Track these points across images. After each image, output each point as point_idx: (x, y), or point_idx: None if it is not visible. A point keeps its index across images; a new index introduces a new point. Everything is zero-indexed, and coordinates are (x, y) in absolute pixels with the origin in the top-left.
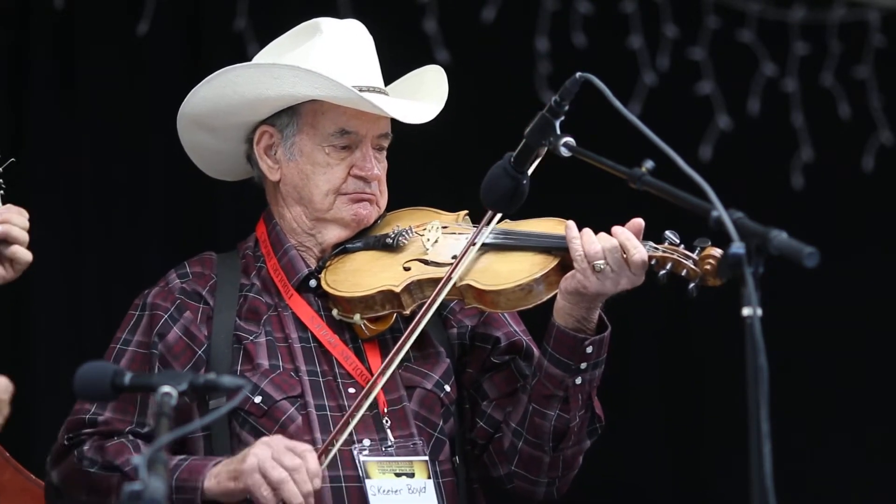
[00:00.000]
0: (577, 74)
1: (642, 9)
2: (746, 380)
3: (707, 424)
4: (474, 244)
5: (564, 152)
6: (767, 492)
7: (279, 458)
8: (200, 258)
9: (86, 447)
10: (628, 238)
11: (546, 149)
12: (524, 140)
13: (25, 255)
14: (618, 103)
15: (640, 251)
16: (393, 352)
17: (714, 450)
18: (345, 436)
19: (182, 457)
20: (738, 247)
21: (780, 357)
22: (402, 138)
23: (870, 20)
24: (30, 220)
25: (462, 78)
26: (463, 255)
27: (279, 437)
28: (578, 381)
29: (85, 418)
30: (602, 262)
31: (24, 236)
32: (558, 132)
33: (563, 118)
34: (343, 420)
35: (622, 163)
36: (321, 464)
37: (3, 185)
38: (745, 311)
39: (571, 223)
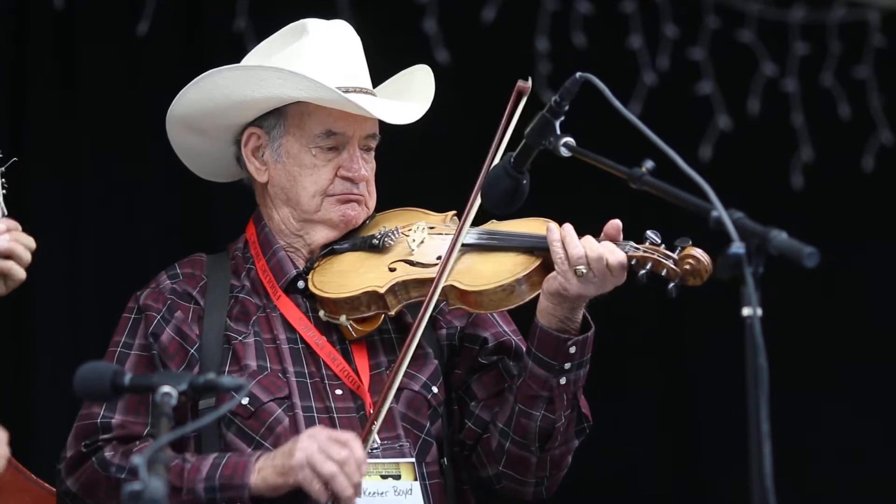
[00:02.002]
0: (577, 74)
1: (642, 9)
2: (746, 379)
3: (705, 423)
4: (457, 244)
5: (564, 152)
6: (767, 492)
7: (327, 450)
8: (191, 259)
9: (107, 453)
10: (604, 244)
11: (543, 147)
12: (524, 140)
13: (20, 273)
14: (618, 103)
15: (617, 256)
16: (395, 366)
17: (713, 449)
18: (379, 423)
19: (216, 454)
20: (738, 247)
21: (779, 357)
22: (401, 138)
23: (870, 20)
24: (29, 220)
25: (462, 78)
26: (448, 255)
27: (321, 428)
28: (563, 381)
29: (97, 423)
30: (584, 267)
31: (27, 256)
32: (558, 132)
33: (563, 118)
34: (373, 415)
35: (622, 163)
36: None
37: (6, 186)
38: (745, 311)
39: (553, 225)
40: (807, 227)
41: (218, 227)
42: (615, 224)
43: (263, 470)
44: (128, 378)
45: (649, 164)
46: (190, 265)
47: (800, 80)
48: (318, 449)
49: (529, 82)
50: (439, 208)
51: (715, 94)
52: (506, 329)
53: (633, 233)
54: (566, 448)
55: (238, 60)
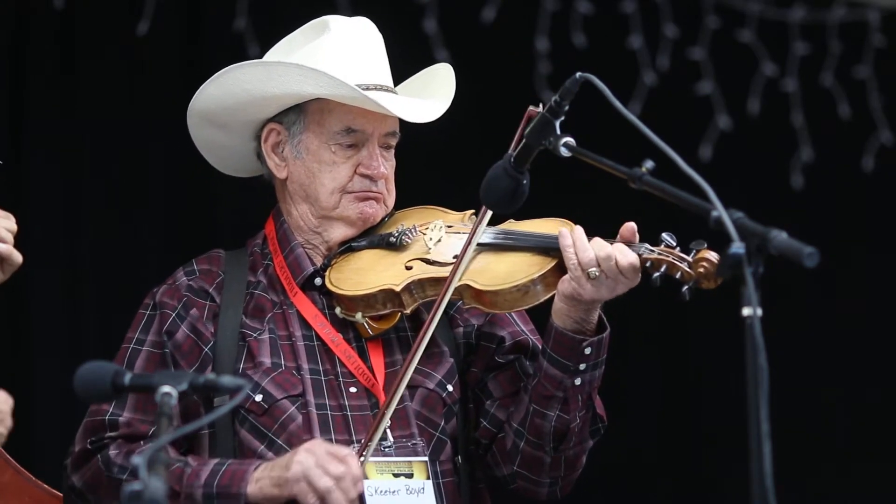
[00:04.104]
0: (577, 74)
1: (642, 9)
2: (746, 380)
3: (706, 423)
4: (471, 244)
5: (564, 152)
6: (767, 492)
7: (324, 465)
8: (208, 256)
9: (112, 452)
10: (615, 245)
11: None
12: (524, 140)
13: (17, 257)
14: (618, 103)
15: (627, 256)
16: (405, 364)
17: (714, 449)
18: (378, 436)
19: (217, 461)
20: (738, 247)
21: (779, 358)
22: (403, 137)
23: (870, 20)
24: (30, 220)
25: (462, 78)
26: (462, 255)
27: (320, 442)
28: (577, 381)
29: (105, 420)
30: (596, 269)
31: (10, 238)
32: (558, 132)
33: (563, 118)
34: (374, 425)
35: (622, 163)
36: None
37: None
38: (745, 311)
39: (565, 231)
40: (807, 227)
41: (218, 227)
42: (630, 227)
43: (261, 480)
44: (128, 378)
45: (649, 164)
46: (207, 261)
47: (800, 80)
48: (316, 463)
49: (540, 108)
50: (439, 207)
51: (715, 94)
52: (523, 328)
53: (644, 236)
54: (580, 448)
55: (238, 60)
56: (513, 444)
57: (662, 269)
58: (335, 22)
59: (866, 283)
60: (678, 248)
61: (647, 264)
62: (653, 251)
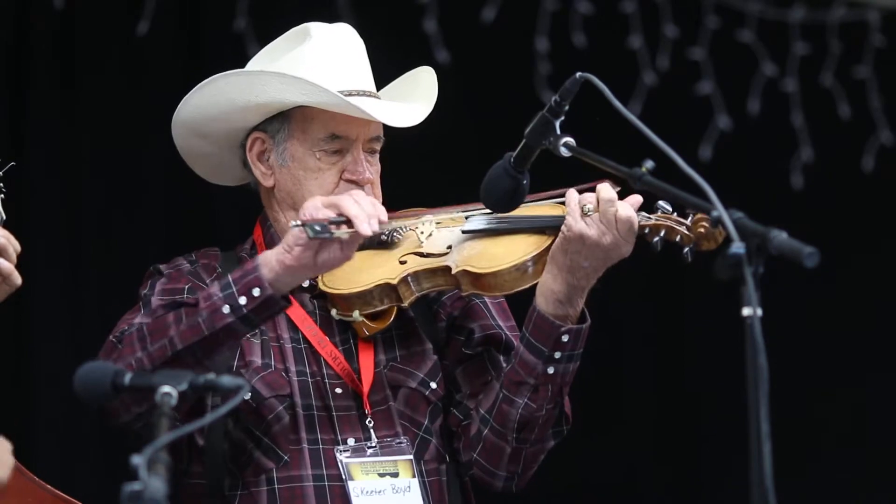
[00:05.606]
0: (577, 74)
1: (642, 9)
2: (746, 380)
3: (705, 423)
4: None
5: (564, 152)
6: (767, 492)
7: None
8: (205, 252)
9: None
10: (613, 196)
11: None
12: (524, 140)
13: (16, 278)
14: (618, 103)
15: (626, 210)
16: None
17: (713, 450)
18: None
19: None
20: (738, 247)
21: (778, 358)
22: (402, 138)
23: (870, 20)
24: (30, 220)
25: (462, 78)
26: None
27: None
28: (550, 370)
29: (127, 326)
30: (593, 206)
31: (14, 258)
32: (558, 132)
33: (563, 118)
34: None
35: (622, 163)
36: None
37: (4, 190)
38: (745, 311)
39: (573, 190)
40: (807, 227)
41: (218, 227)
42: (635, 198)
43: (271, 252)
44: (128, 378)
45: (649, 164)
46: (205, 257)
47: (800, 80)
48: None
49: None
50: (438, 208)
51: (715, 94)
52: (499, 322)
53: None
54: (541, 446)
55: (238, 61)
56: (477, 430)
57: (662, 234)
58: (316, 29)
59: (866, 284)
60: (675, 213)
61: (646, 230)
62: (650, 218)
